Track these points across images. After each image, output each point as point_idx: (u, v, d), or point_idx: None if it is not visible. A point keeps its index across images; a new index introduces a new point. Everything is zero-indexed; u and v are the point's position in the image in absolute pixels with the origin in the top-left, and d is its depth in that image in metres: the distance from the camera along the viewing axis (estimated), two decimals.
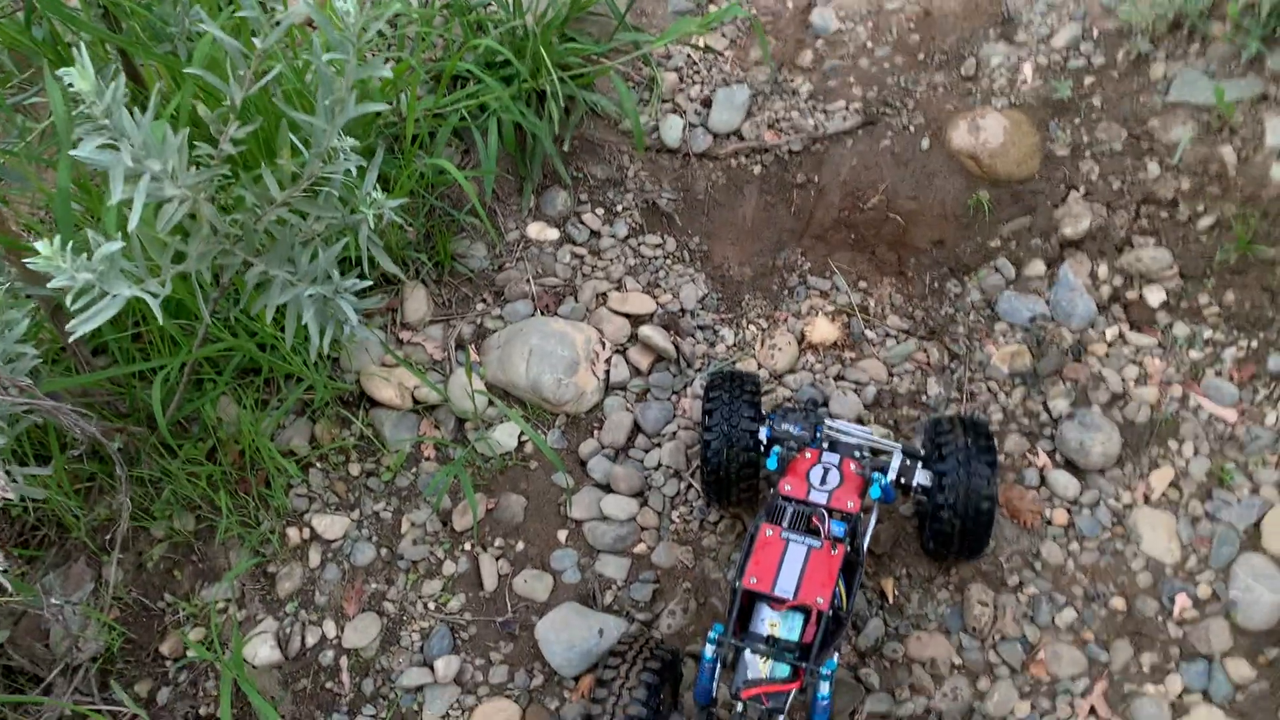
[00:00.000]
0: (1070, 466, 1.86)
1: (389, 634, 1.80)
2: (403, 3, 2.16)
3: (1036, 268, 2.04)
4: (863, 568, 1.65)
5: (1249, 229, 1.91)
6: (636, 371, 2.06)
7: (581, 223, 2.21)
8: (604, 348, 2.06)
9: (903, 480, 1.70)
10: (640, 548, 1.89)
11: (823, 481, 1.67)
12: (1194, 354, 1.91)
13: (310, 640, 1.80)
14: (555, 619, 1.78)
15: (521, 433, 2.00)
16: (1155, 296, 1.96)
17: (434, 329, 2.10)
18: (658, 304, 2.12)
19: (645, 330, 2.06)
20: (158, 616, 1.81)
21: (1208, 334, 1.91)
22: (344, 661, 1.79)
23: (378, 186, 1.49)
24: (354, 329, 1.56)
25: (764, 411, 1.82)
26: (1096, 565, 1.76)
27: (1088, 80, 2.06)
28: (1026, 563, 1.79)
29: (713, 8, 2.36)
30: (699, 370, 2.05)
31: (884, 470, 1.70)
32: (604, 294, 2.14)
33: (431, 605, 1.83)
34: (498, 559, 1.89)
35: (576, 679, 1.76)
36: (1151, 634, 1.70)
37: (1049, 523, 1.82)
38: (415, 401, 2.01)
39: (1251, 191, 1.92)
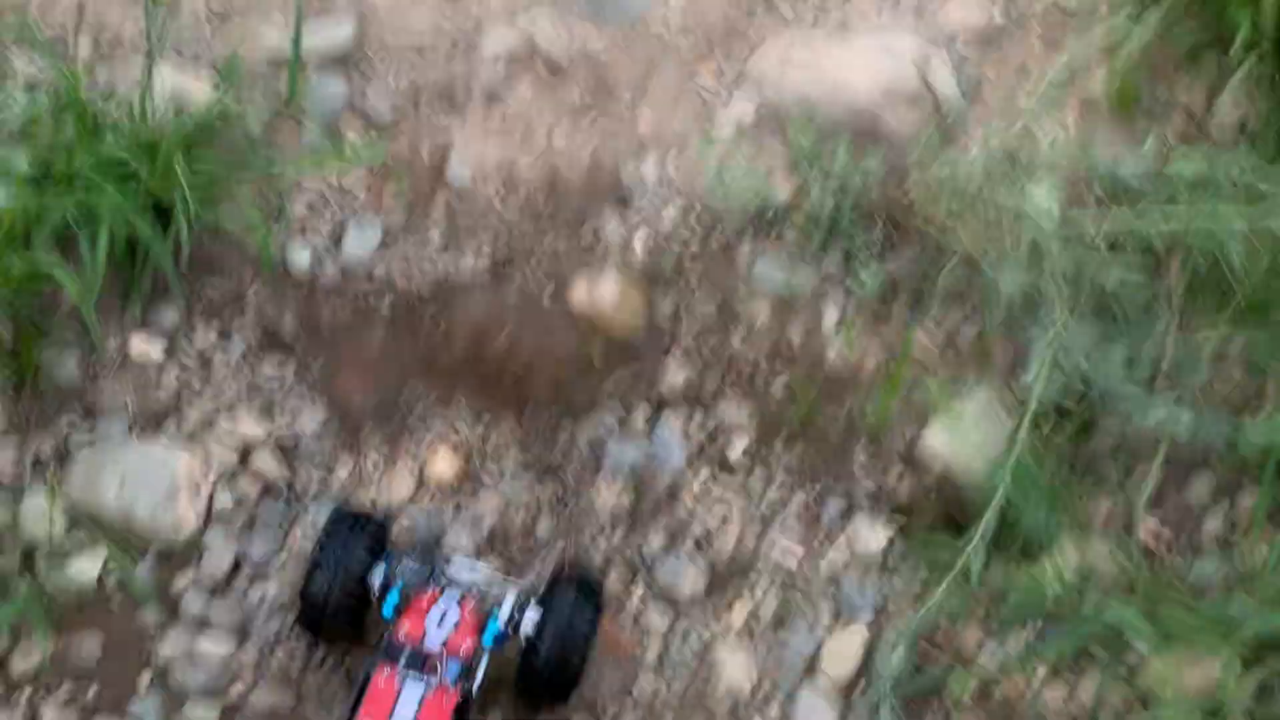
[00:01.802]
0: (664, 600, 2.01)
1: None
2: (5, 94, 2.01)
3: (639, 416, 2.23)
4: (473, 711, 1.65)
5: (810, 395, 2.24)
6: (243, 500, 1.96)
7: (192, 340, 2.11)
8: (208, 474, 1.95)
9: (513, 619, 1.74)
10: (237, 688, 1.76)
11: (440, 623, 1.66)
12: (768, 499, 2.17)
13: None
14: None
15: (104, 565, 1.81)
16: (737, 448, 2.21)
17: (6, 446, 1.88)
18: (271, 430, 2.05)
19: (256, 457, 1.98)
20: None
21: (778, 482, 2.19)
22: None
23: None
24: None
25: (383, 552, 1.79)
26: (685, 694, 1.91)
27: (687, 256, 2.34)
28: (624, 694, 1.89)
29: (347, 147, 2.41)
30: (313, 500, 1.99)
31: (500, 607, 1.74)
32: (212, 417, 2.03)
33: None
34: (64, 704, 1.67)
35: None
36: None
37: (645, 655, 1.94)
38: None
39: (813, 363, 2.27)
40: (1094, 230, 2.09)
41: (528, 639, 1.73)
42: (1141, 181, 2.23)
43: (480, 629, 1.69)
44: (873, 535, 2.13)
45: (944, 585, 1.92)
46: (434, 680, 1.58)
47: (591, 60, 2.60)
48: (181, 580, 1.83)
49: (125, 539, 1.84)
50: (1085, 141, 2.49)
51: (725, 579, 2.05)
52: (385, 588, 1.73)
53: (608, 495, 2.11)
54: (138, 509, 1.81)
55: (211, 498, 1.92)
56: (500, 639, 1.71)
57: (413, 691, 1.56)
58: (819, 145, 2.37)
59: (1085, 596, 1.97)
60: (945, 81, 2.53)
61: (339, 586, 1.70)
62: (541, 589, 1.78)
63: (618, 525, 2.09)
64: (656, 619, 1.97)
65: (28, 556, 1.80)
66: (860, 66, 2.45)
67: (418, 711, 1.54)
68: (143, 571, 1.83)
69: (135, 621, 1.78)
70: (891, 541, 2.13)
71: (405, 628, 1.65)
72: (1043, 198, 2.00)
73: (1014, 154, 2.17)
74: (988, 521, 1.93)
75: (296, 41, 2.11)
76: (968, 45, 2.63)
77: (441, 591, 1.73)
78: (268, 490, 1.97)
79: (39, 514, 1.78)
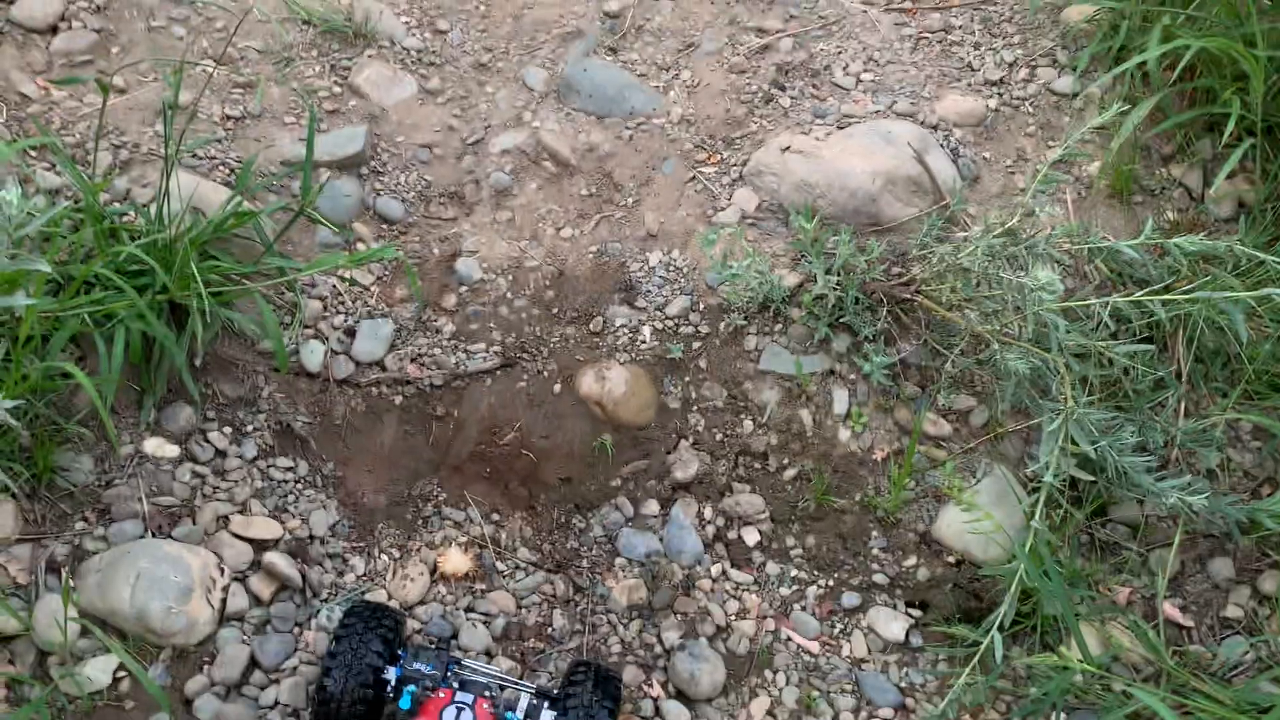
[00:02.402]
0: (682, 696, 1.98)
1: None
2: (24, 201, 2.05)
3: (652, 507, 2.22)
4: None
5: (824, 482, 2.23)
6: (257, 601, 1.95)
7: (206, 440, 2.12)
8: (222, 574, 1.94)
9: None
10: None
11: None
12: (783, 590, 2.15)
13: None
14: None
15: (118, 668, 1.80)
16: (751, 537, 2.20)
17: (20, 549, 1.88)
18: (285, 529, 2.05)
19: (270, 557, 1.98)
20: None
21: (794, 573, 2.17)
22: None
23: None
24: None
25: (398, 650, 1.79)
26: None
27: (695, 345, 2.36)
28: None
29: (360, 245, 2.45)
30: (325, 601, 1.98)
31: (514, 708, 1.74)
32: (226, 517, 2.03)
33: None
34: None
35: None
36: None
37: None
38: None
39: (824, 450, 2.27)
40: (1099, 308, 2.11)
41: None
42: (1144, 259, 2.26)
43: None
44: (891, 624, 2.11)
45: (965, 675, 1.89)
46: None
47: (597, 156, 2.66)
48: (195, 683, 1.81)
49: (139, 640, 1.82)
50: (1085, 222, 2.54)
51: (743, 673, 2.02)
52: (401, 683, 1.74)
53: (621, 588, 2.09)
54: (151, 610, 1.80)
55: (225, 599, 1.91)
56: None
57: None
58: (822, 233, 2.40)
59: (1110, 683, 1.93)
60: (944, 167, 2.58)
61: (355, 682, 1.71)
62: (556, 688, 1.76)
63: (632, 618, 2.07)
64: (674, 715, 1.94)
65: (41, 660, 1.78)
66: (860, 155, 2.50)
67: None
68: (157, 673, 1.81)
69: None
70: (910, 631, 2.11)
71: None
72: (1046, 275, 2.02)
73: (1015, 234, 2.20)
74: (1006, 608, 1.91)
75: (310, 145, 2.16)
76: (964, 131, 2.69)
77: (455, 691, 1.74)
78: (281, 590, 1.96)
79: (52, 618, 1.77)
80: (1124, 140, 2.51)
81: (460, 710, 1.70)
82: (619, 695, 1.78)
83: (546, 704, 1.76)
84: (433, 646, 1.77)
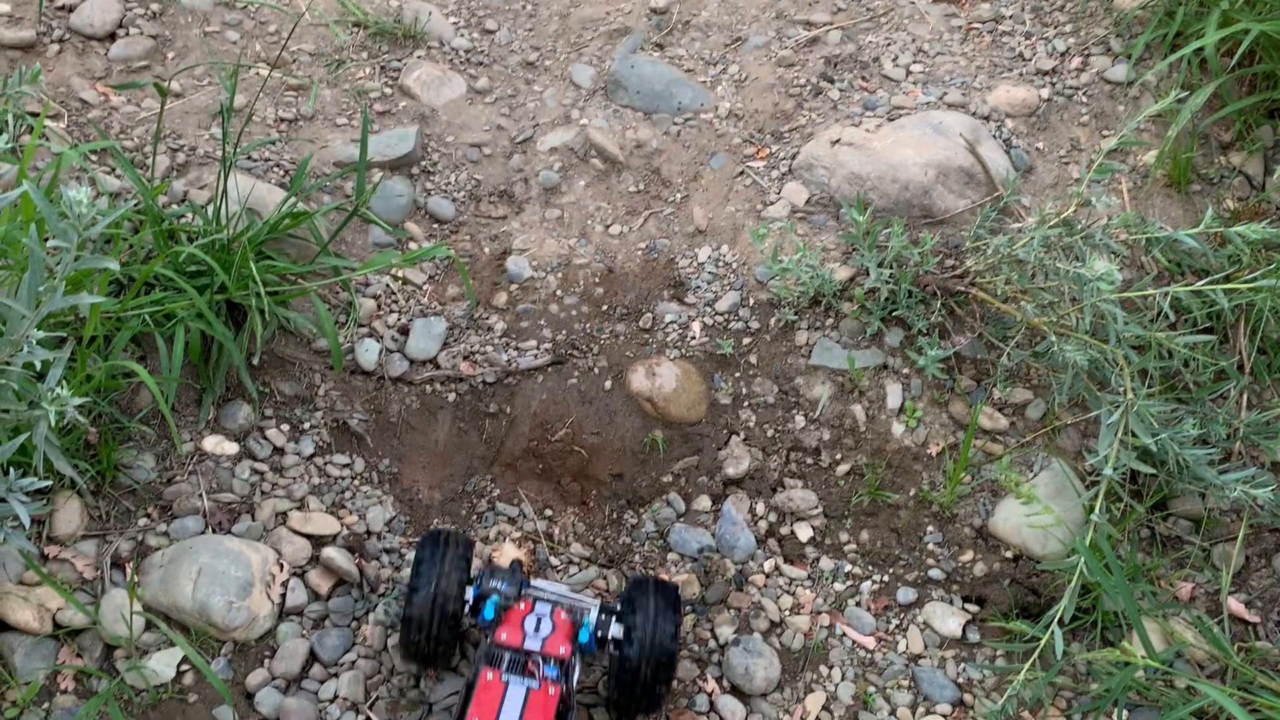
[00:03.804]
0: (736, 691, 1.98)
1: None
2: (90, 204, 2.09)
3: (703, 503, 2.22)
4: (574, 710, 1.76)
5: (877, 477, 2.21)
6: (316, 596, 1.98)
7: (265, 438, 2.15)
8: (281, 569, 1.97)
9: (599, 633, 1.83)
10: None
11: (536, 629, 1.78)
12: (838, 586, 2.14)
13: None
14: None
15: (181, 662, 1.83)
16: (804, 533, 2.19)
17: (87, 544, 1.92)
18: (342, 525, 2.07)
19: (328, 552, 2.00)
20: None
21: (848, 568, 2.16)
22: None
23: (63, 383, 1.40)
24: (10, 536, 1.40)
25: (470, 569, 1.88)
26: None
27: (745, 340, 2.35)
28: None
29: (412, 244, 2.47)
30: (383, 595, 2.00)
31: (588, 616, 1.85)
32: (284, 513, 2.06)
33: None
34: None
35: None
36: None
37: None
38: (56, 625, 1.80)
39: (878, 445, 2.25)
40: (1159, 299, 2.07)
41: (616, 643, 1.81)
42: (1203, 249, 2.21)
43: (573, 635, 1.79)
44: (948, 620, 2.08)
45: (1024, 671, 1.87)
46: (535, 680, 1.70)
47: (645, 152, 2.66)
48: (256, 676, 1.84)
49: (202, 634, 1.86)
50: (1141, 212, 2.49)
51: (797, 669, 2.01)
52: (481, 599, 1.84)
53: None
54: (213, 605, 1.83)
55: (284, 594, 1.94)
56: (591, 645, 1.80)
57: (517, 690, 1.68)
58: (874, 226, 2.39)
59: (1173, 679, 1.90)
60: (997, 158, 2.55)
61: (439, 601, 1.79)
62: (624, 606, 1.85)
63: (686, 613, 2.06)
64: (730, 710, 1.93)
65: (108, 654, 1.82)
66: (911, 146, 2.48)
67: (523, 708, 1.66)
68: (219, 667, 1.84)
69: (212, 719, 1.78)
70: (967, 626, 2.09)
71: (505, 634, 1.76)
72: (1103, 266, 1.98)
73: (1071, 225, 2.17)
74: (1067, 602, 1.88)
75: (363, 146, 2.18)
76: (1017, 122, 2.65)
77: (534, 603, 1.83)
78: (339, 585, 1.99)
79: (118, 612, 1.80)
80: (1181, 128, 2.46)
81: (540, 619, 1.79)
82: (679, 603, 1.84)
83: (614, 618, 1.84)
84: (507, 569, 1.88)
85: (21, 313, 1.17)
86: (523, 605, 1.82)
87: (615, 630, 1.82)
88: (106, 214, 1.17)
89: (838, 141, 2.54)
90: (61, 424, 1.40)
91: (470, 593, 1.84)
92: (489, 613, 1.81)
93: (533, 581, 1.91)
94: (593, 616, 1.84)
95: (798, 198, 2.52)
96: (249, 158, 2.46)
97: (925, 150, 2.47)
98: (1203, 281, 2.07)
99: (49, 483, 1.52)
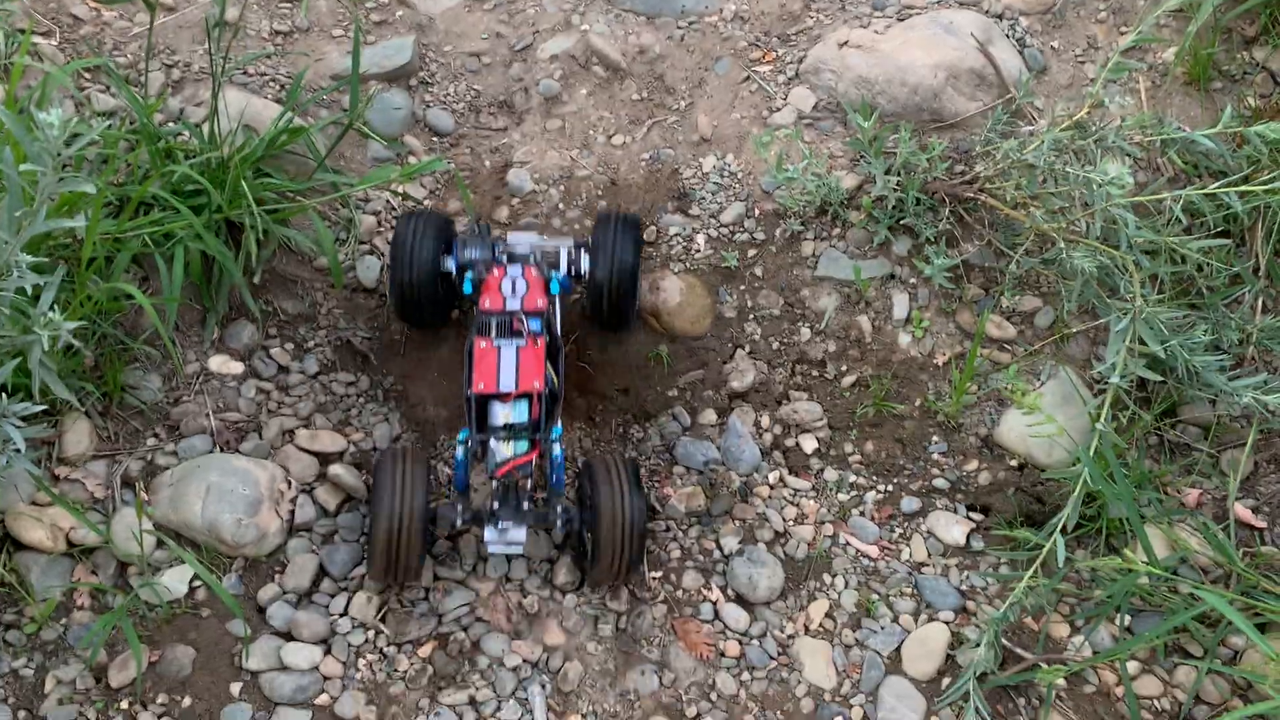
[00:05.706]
0: (740, 600, 2.00)
1: None
2: (84, 123, 2.07)
3: (709, 416, 2.22)
4: (563, 350, 2.04)
5: (883, 388, 2.20)
6: (324, 512, 2.00)
7: (269, 357, 2.15)
8: (289, 487, 1.99)
9: (573, 270, 2.12)
10: (323, 699, 1.80)
11: (513, 291, 2.01)
12: (842, 496, 2.14)
13: None
14: None
15: (193, 578, 1.87)
16: (809, 445, 2.19)
17: (97, 465, 1.94)
18: (349, 442, 2.09)
19: (335, 469, 2.02)
20: None
21: (852, 479, 2.16)
22: None
23: (55, 307, 1.40)
24: (12, 459, 1.42)
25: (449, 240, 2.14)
26: (766, 694, 1.89)
27: (751, 253, 2.32)
28: (703, 694, 1.89)
29: (411, 158, 2.44)
30: None
31: (557, 267, 2.12)
32: (291, 431, 2.07)
33: None
34: (160, 716, 1.73)
35: None
36: None
37: (723, 654, 1.93)
38: (70, 544, 1.84)
39: (884, 356, 2.23)
40: (1171, 202, 2.02)
41: (588, 274, 2.08)
42: (1220, 150, 2.15)
43: (546, 287, 2.03)
44: (951, 528, 2.09)
45: (1027, 578, 1.88)
46: (522, 338, 1.93)
47: (648, 58, 2.59)
48: (267, 591, 1.88)
49: (212, 551, 1.89)
50: (1158, 112, 2.42)
51: (801, 578, 2.03)
52: (460, 271, 2.08)
53: (680, 495, 2.10)
54: (222, 522, 1.86)
55: (293, 510, 1.96)
56: (565, 287, 2.07)
57: (509, 352, 1.92)
58: (881, 131, 2.33)
59: (1176, 585, 1.91)
60: (1009, 58, 2.46)
61: (420, 269, 2.05)
62: (594, 239, 2.11)
63: (692, 525, 2.08)
64: (734, 618, 1.96)
65: (121, 571, 1.86)
66: (921, 47, 2.40)
67: (518, 363, 1.91)
68: (230, 583, 1.88)
69: (225, 634, 1.82)
70: (971, 535, 2.09)
71: (486, 302, 1.98)
72: (1115, 169, 1.93)
73: (1084, 127, 2.11)
74: (1070, 511, 1.88)
75: (356, 58, 2.13)
76: (1031, 20, 2.56)
77: (505, 267, 2.05)
78: (347, 501, 2.01)
79: (129, 531, 1.83)
80: (1202, 22, 2.37)
81: (514, 281, 2.02)
82: (639, 227, 2.15)
83: (583, 250, 2.12)
84: (477, 233, 2.12)
85: (4, 238, 1.16)
86: (497, 270, 2.04)
87: (585, 261, 2.11)
88: (83, 134, 1.14)
89: (846, 44, 2.46)
90: (57, 347, 1.40)
91: (451, 264, 2.09)
92: (468, 288, 2.05)
93: (506, 238, 2.13)
94: (563, 257, 2.11)
95: (805, 104, 2.46)
96: (244, 72, 2.42)
97: (935, 51, 2.40)
98: (1217, 184, 2.02)
99: (44, 406, 1.53)
